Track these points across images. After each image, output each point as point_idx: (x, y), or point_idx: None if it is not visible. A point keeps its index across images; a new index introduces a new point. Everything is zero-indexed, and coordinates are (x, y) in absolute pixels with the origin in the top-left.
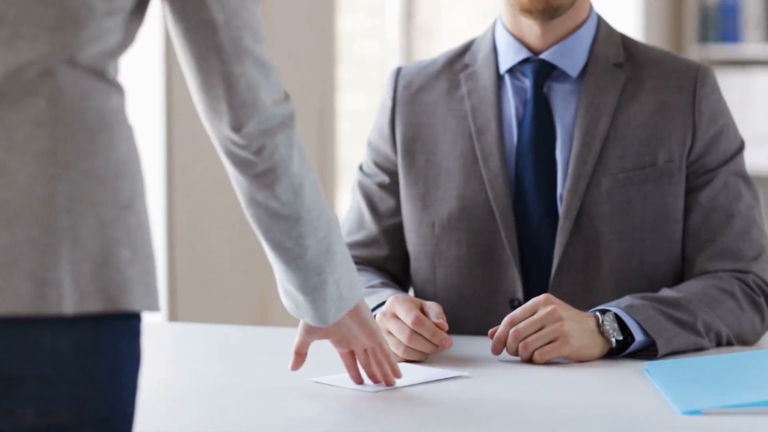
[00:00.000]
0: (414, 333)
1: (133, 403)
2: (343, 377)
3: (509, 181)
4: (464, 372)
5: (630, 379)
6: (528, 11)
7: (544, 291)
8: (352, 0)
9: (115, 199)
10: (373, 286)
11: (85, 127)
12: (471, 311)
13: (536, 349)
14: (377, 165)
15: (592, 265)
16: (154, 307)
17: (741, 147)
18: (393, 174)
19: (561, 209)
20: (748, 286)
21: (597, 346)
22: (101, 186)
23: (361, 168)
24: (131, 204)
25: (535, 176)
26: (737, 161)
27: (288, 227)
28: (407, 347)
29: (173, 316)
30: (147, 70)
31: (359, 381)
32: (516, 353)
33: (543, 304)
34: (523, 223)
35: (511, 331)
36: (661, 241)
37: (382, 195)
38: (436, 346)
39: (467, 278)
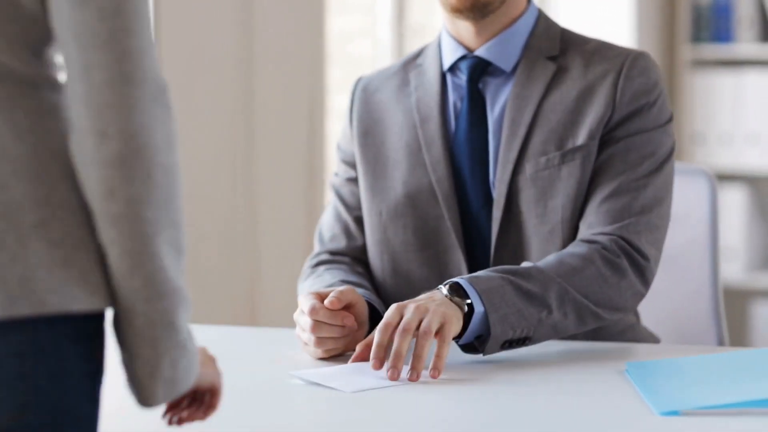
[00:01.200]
0: (315, 322)
1: (90, 406)
2: (321, 372)
3: (451, 166)
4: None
5: (609, 379)
6: (457, 11)
7: None
8: (344, 0)
9: (49, 198)
10: (331, 285)
11: (12, 127)
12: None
13: (426, 349)
14: (345, 163)
15: (524, 250)
16: (103, 304)
17: (660, 125)
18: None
19: (494, 199)
20: (607, 249)
21: (458, 317)
22: (32, 185)
23: (335, 173)
24: (67, 202)
25: (471, 168)
26: (650, 136)
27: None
28: (317, 338)
29: None
30: None
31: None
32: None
33: (396, 313)
34: (466, 208)
35: (392, 353)
36: (579, 219)
37: (351, 188)
38: (343, 327)
39: (414, 263)
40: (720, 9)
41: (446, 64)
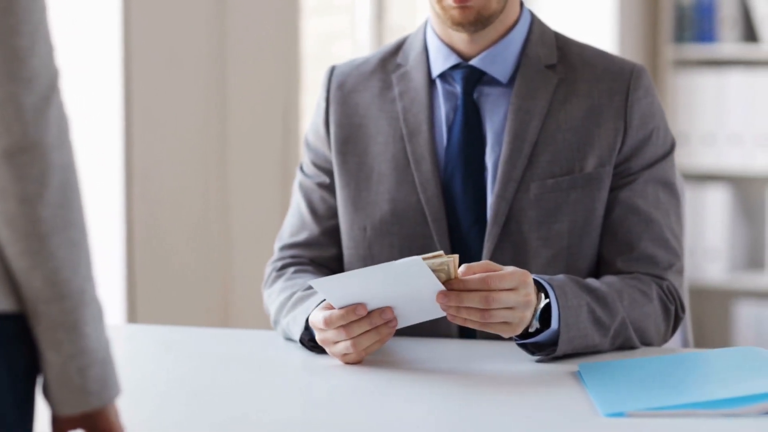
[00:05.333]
0: (344, 327)
1: (16, 410)
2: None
3: (441, 185)
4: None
5: (560, 380)
6: (459, 25)
7: None
8: (323, 0)
9: None
10: (309, 289)
11: None
12: None
13: (490, 322)
14: (316, 166)
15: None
16: (21, 305)
17: (668, 151)
18: (332, 174)
19: (489, 214)
20: (664, 292)
21: (521, 328)
22: None
23: (301, 168)
24: None
25: (464, 182)
26: (661, 166)
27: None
28: (353, 341)
29: (132, 318)
30: (105, 70)
31: None
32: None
33: (523, 284)
34: (455, 225)
35: (464, 301)
36: (588, 246)
37: (323, 195)
38: (365, 319)
39: None
40: (703, 9)
41: (436, 71)
